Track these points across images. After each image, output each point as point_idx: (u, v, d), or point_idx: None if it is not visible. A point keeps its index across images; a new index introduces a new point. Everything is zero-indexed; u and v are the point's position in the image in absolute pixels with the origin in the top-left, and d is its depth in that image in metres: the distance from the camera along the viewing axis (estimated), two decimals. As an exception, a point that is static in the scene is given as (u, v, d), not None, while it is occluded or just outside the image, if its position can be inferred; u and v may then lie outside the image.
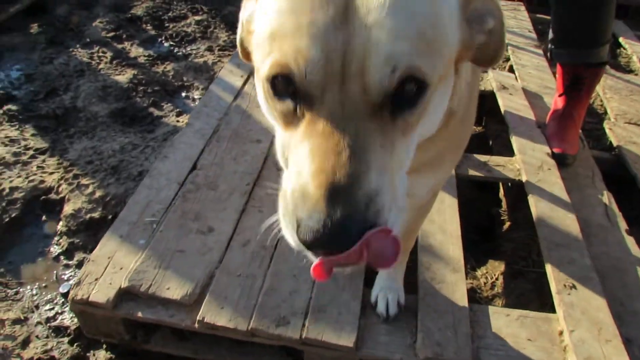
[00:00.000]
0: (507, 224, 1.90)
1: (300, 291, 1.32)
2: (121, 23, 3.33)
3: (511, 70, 3.03)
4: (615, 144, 2.27)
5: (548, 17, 2.74)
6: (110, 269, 1.34)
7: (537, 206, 1.67)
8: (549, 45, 2.18)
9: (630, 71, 3.36)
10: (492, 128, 2.50)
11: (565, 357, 1.25)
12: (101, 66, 2.86)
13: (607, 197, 1.88)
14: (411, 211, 1.22)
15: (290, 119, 0.64)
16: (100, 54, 2.98)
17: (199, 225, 1.49)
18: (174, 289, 1.29)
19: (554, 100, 2.24)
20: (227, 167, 1.73)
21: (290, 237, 0.60)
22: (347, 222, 0.54)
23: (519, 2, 3.71)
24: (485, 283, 1.61)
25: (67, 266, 1.69)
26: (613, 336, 1.27)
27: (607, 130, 2.37)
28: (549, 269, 1.47)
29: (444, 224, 1.57)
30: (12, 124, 2.33)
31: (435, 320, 1.29)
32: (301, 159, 0.60)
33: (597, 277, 1.44)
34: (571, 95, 2.12)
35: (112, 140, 2.24)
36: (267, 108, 0.70)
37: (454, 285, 1.38)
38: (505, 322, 1.33)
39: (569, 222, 1.61)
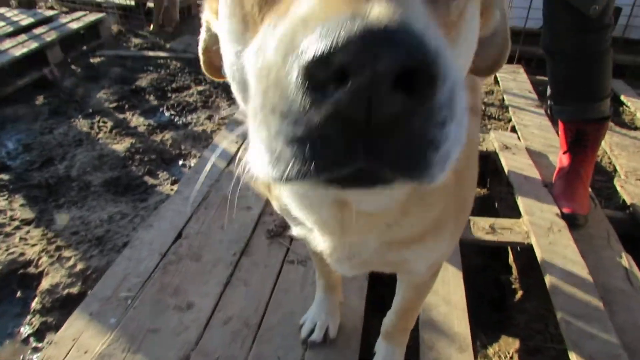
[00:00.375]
0: (519, 292, 1.73)
1: (285, 376, 1.17)
2: (125, 94, 3.40)
3: (513, 130, 2.98)
4: (628, 202, 2.14)
5: (547, 78, 2.75)
6: (74, 353, 1.20)
7: (549, 272, 1.53)
8: (549, 102, 2.13)
9: (636, 128, 3.29)
10: (496, 190, 2.40)
11: None
12: (100, 135, 2.86)
13: (626, 260, 1.73)
14: (410, 290, 1.09)
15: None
16: (101, 124, 3.00)
17: (177, 301, 1.36)
18: (142, 376, 1.15)
19: (559, 158, 2.15)
20: (213, 235, 1.63)
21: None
22: (399, 32, 0.32)
23: (518, 65, 3.76)
24: (498, 362, 1.43)
25: (35, 349, 1.54)
26: None
27: (618, 188, 2.25)
28: (569, 346, 1.30)
29: (448, 295, 1.42)
30: (2, 194, 2.28)
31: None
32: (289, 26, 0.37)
33: (625, 355, 1.26)
34: (576, 152, 2.03)
35: (102, 209, 2.17)
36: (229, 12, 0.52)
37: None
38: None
39: (587, 289, 1.46)
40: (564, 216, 1.86)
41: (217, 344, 1.24)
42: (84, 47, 4.11)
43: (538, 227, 1.76)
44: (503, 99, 3.44)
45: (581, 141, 2.02)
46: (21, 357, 1.52)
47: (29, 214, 2.14)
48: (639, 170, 2.42)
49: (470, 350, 1.28)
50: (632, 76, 4.18)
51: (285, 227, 1.69)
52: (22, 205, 2.22)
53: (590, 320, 1.35)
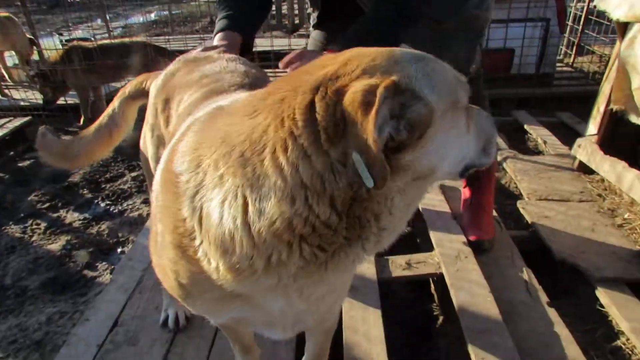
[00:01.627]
0: (441, 318, 1.90)
1: None
2: (57, 192, 3.44)
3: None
4: (529, 221, 2.41)
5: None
6: None
7: (457, 296, 1.71)
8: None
9: (539, 152, 3.68)
10: (418, 227, 2.61)
11: None
12: (34, 238, 2.87)
13: (526, 274, 1.95)
14: (321, 335, 1.24)
15: None
16: (34, 226, 3.02)
17: (116, 388, 1.42)
18: None
19: (462, 191, 2.41)
20: (148, 317, 1.71)
21: None
22: None
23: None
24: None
25: None
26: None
27: (521, 210, 2.53)
28: (473, 358, 1.46)
29: (368, 331, 1.56)
30: None
31: None
32: None
33: (518, 358, 1.44)
34: (474, 186, 2.29)
35: (39, 312, 2.18)
36: None
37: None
38: None
39: (488, 306, 1.64)
40: (470, 243, 2.09)
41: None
42: (11, 153, 4.14)
43: (447, 257, 1.96)
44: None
45: (475, 175, 2.29)
46: None
47: (-38, 331, 2.11)
48: (538, 191, 2.72)
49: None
50: (533, 106, 4.69)
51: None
52: (-46, 323, 2.19)
53: (492, 333, 1.52)
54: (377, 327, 1.58)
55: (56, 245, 2.76)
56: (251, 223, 0.68)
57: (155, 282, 1.91)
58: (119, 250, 2.75)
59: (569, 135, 4.02)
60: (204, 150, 0.74)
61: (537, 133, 3.84)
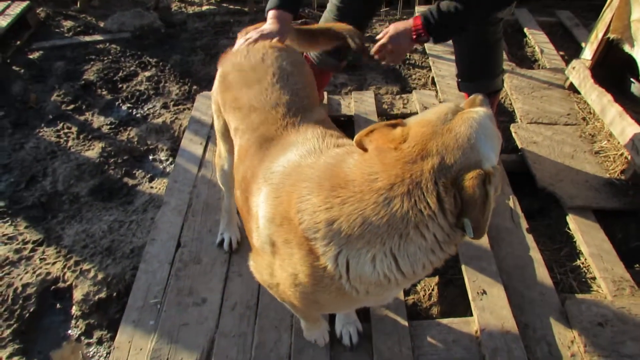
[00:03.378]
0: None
1: (282, 339, 1.74)
2: (77, 93, 3.57)
3: (433, 82, 3.46)
4: (519, 146, 2.74)
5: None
6: (133, 352, 1.72)
7: (455, 227, 2.12)
8: (456, 79, 2.62)
9: (535, 60, 3.84)
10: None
11: (480, 351, 1.71)
12: (70, 143, 3.13)
13: (512, 201, 2.36)
14: None
15: None
16: (66, 130, 3.24)
17: (193, 299, 1.87)
18: (187, 359, 1.69)
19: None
20: (205, 240, 2.11)
21: None
22: None
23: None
24: (424, 295, 2.06)
25: (89, 344, 2.05)
26: (511, 327, 1.75)
27: (512, 134, 2.84)
28: (466, 279, 1.93)
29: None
30: (4, 220, 2.61)
31: (385, 341, 1.73)
32: None
33: (501, 281, 1.91)
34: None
35: (98, 220, 2.57)
36: None
37: (397, 310, 1.83)
38: (437, 330, 1.78)
39: (479, 237, 2.07)
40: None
41: (230, 326, 1.78)
42: (17, 42, 4.11)
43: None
44: (424, 46, 3.86)
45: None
46: (80, 352, 2.03)
47: (36, 235, 2.51)
48: (530, 113, 3.00)
49: (401, 296, 1.88)
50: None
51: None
52: (26, 227, 2.57)
53: (481, 259, 1.98)
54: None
55: (93, 152, 3.03)
56: (403, 269, 1.04)
57: (204, 205, 2.28)
58: (150, 157, 3.04)
59: (565, 39, 4.14)
60: (341, 225, 1.03)
61: (536, 39, 3.95)
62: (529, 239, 2.16)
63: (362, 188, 1.02)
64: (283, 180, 1.18)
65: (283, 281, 1.21)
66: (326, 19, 2.48)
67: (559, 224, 2.40)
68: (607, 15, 2.88)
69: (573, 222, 2.29)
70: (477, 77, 2.49)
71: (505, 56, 3.64)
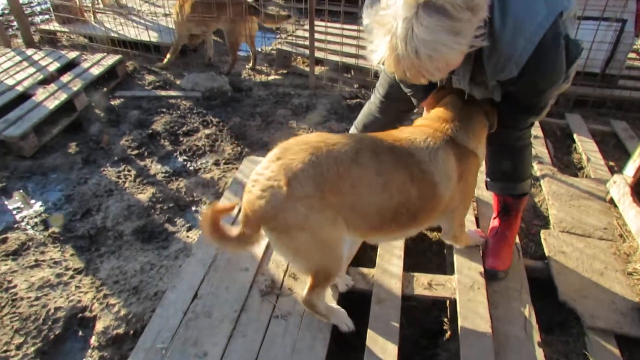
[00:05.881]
0: (448, 333, 2.34)
1: (269, 408, 1.78)
2: (143, 140, 3.98)
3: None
4: (547, 253, 2.71)
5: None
6: (131, 391, 1.83)
7: (462, 324, 2.12)
8: (485, 178, 2.70)
9: (581, 168, 3.83)
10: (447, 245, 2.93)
11: None
12: (126, 185, 3.46)
13: (528, 310, 2.32)
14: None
15: None
16: (126, 172, 3.60)
17: (196, 350, 1.98)
18: (176, 408, 1.77)
19: (492, 219, 2.72)
20: (220, 296, 2.24)
21: None
22: None
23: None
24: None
25: (98, 376, 2.18)
26: None
27: (542, 240, 2.82)
28: (463, 385, 1.90)
29: (384, 345, 2.02)
30: (55, 245, 2.90)
31: None
32: None
33: (498, 391, 1.87)
34: (503, 219, 2.60)
35: (134, 259, 2.79)
36: None
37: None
38: None
39: (485, 340, 2.05)
40: (486, 271, 2.45)
41: (224, 384, 1.86)
42: (104, 89, 4.68)
43: (463, 285, 2.34)
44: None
45: (507, 211, 2.59)
46: (88, 384, 2.16)
47: (78, 264, 2.76)
48: (564, 221, 2.98)
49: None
50: (592, 106, 4.68)
51: (273, 286, 2.30)
52: (72, 255, 2.84)
53: (481, 365, 1.95)
54: (393, 344, 2.04)
55: (144, 195, 3.33)
56: None
57: (226, 262, 2.43)
58: (193, 208, 3.29)
59: (617, 150, 4.10)
60: None
61: (584, 147, 3.94)
62: (539, 353, 2.10)
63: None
64: None
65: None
66: (370, 110, 2.70)
67: (579, 342, 2.31)
68: (651, 135, 2.89)
69: (591, 345, 2.21)
70: (503, 179, 2.55)
71: (548, 159, 3.68)
